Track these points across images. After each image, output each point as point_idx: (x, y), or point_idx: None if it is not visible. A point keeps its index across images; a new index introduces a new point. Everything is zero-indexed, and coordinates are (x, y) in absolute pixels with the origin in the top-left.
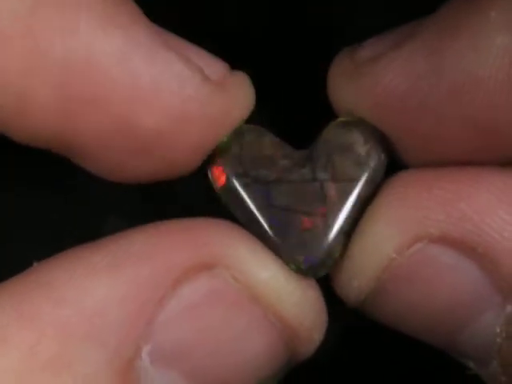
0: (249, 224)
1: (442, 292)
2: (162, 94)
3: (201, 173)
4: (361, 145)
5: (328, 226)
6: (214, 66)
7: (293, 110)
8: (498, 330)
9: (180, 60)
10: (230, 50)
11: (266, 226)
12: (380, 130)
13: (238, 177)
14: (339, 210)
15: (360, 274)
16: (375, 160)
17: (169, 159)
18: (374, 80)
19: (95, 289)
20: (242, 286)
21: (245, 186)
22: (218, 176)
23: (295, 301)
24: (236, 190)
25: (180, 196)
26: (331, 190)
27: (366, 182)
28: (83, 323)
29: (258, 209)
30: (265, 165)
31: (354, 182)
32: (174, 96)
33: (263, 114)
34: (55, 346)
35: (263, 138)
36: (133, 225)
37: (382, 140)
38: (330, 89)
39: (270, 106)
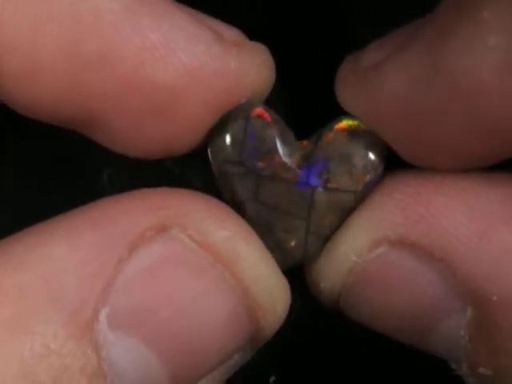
0: (236, 207)
1: (404, 296)
2: (173, 50)
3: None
4: (360, 157)
5: (309, 233)
6: (229, 30)
7: (308, 101)
8: (462, 333)
9: (190, 17)
10: None
11: (248, 219)
12: (383, 139)
13: (233, 164)
14: (322, 217)
15: (326, 276)
16: (371, 175)
17: (184, 121)
18: (377, 87)
19: (52, 254)
20: (198, 246)
21: (237, 175)
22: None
23: (254, 261)
24: (228, 175)
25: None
26: (320, 197)
27: (355, 194)
28: (40, 286)
29: (245, 200)
30: (263, 158)
31: (344, 193)
32: (186, 52)
33: (279, 99)
34: (12, 308)
35: (267, 129)
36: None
37: (383, 152)
38: (337, 94)
39: (286, 92)
